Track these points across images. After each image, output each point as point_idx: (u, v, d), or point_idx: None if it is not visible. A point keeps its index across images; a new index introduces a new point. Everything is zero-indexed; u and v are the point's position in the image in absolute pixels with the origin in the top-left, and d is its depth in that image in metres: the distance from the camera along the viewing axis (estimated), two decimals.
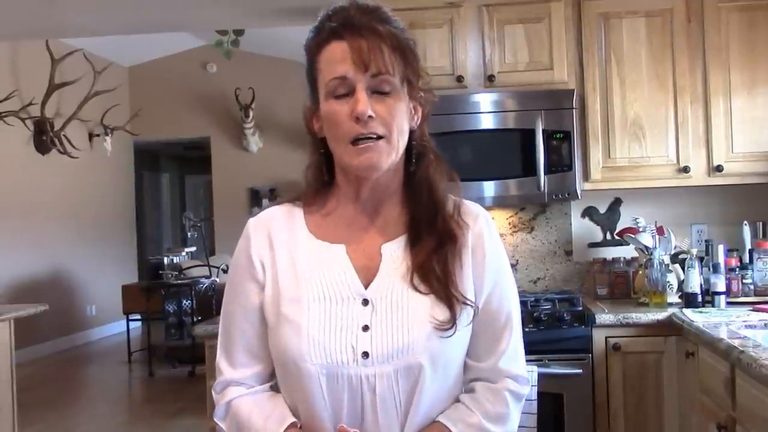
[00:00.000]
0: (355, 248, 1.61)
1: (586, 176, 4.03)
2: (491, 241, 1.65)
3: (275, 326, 1.58)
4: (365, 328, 1.54)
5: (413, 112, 1.61)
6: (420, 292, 1.56)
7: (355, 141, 1.51)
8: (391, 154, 1.54)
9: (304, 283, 1.58)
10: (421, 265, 1.57)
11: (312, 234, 1.64)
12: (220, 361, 1.68)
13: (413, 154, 1.63)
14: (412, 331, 1.53)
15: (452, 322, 1.54)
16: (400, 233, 1.63)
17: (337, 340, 1.53)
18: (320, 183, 1.67)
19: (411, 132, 1.60)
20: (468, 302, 1.58)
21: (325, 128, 1.57)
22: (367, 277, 1.58)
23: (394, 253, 1.60)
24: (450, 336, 1.54)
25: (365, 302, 1.56)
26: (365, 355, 1.52)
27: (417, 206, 1.63)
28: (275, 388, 1.66)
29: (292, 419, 1.57)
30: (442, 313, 1.54)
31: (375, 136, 1.51)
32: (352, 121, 1.51)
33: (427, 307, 1.54)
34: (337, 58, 1.53)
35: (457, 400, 1.62)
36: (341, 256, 1.60)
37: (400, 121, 1.55)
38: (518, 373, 1.65)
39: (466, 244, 1.62)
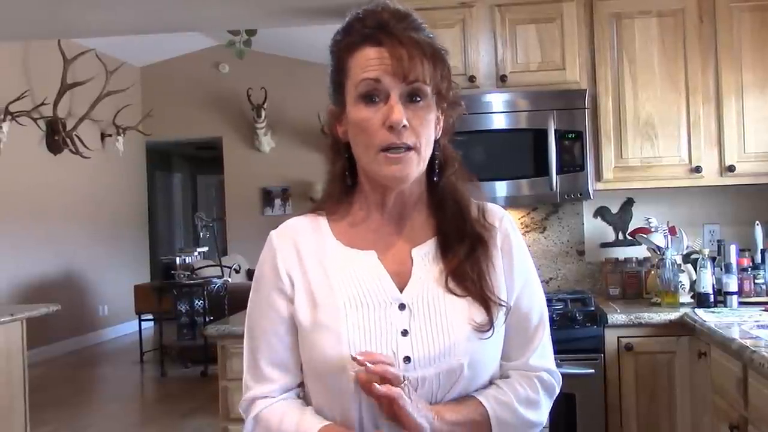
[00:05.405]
0: (385, 254, 1.60)
1: (599, 176, 4.03)
2: (517, 241, 1.65)
3: (311, 335, 1.55)
4: (404, 332, 1.52)
5: (437, 121, 1.58)
6: (456, 294, 1.55)
7: (386, 149, 1.49)
8: (420, 165, 1.53)
9: (339, 291, 1.56)
10: (455, 270, 1.56)
11: (340, 242, 1.62)
12: (247, 377, 1.64)
13: (436, 164, 1.60)
14: (452, 333, 1.52)
15: (490, 323, 1.53)
16: (428, 237, 1.62)
17: (378, 345, 1.50)
18: (343, 190, 1.64)
19: (434, 141, 1.58)
20: (502, 303, 1.57)
21: (352, 134, 1.55)
22: (401, 281, 1.57)
23: (425, 257, 1.59)
24: (489, 337, 1.53)
25: (402, 307, 1.54)
26: (407, 359, 1.50)
27: (443, 213, 1.62)
28: (302, 398, 1.63)
29: (326, 422, 1.53)
30: (479, 315, 1.53)
31: (405, 147, 1.49)
32: (385, 129, 1.48)
33: (465, 310, 1.54)
34: (373, 63, 1.50)
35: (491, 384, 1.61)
36: (373, 262, 1.58)
37: (429, 131, 1.54)
38: (550, 367, 1.65)
39: (495, 245, 1.61)
